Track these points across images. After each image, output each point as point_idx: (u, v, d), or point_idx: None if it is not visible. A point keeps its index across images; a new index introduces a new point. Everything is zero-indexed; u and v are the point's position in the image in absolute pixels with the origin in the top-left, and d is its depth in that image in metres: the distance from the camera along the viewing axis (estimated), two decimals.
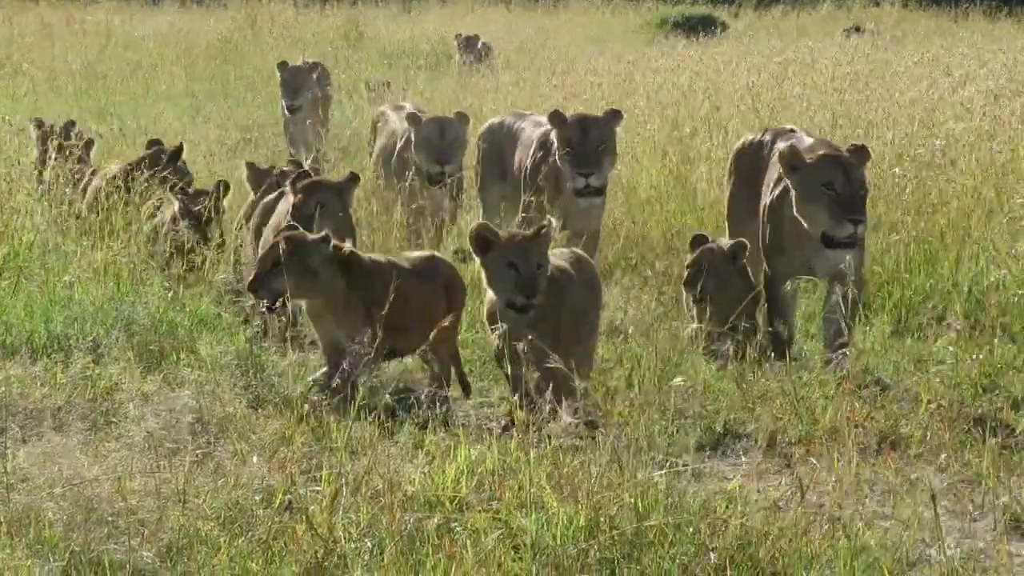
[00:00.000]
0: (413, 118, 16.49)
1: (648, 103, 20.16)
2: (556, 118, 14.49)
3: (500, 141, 16.11)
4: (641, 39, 36.60)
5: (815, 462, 8.59)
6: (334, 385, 10.38)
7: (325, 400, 10.07)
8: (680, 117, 19.18)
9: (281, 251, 10.77)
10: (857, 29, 35.08)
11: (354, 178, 13.35)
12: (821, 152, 12.29)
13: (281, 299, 10.88)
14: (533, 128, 15.55)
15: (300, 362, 11.12)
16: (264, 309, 11.22)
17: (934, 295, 13.77)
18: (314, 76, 23.83)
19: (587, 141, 14.33)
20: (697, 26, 40.34)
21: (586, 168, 14.22)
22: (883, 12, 43.93)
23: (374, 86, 25.97)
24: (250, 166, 15.84)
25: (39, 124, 17.68)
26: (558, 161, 14.45)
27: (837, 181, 12.02)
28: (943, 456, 9.65)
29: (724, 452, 9.51)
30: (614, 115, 14.69)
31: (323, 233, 11.21)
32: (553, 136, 14.59)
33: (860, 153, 12.43)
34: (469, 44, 26.47)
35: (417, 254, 12.32)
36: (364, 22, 38.00)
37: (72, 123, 17.84)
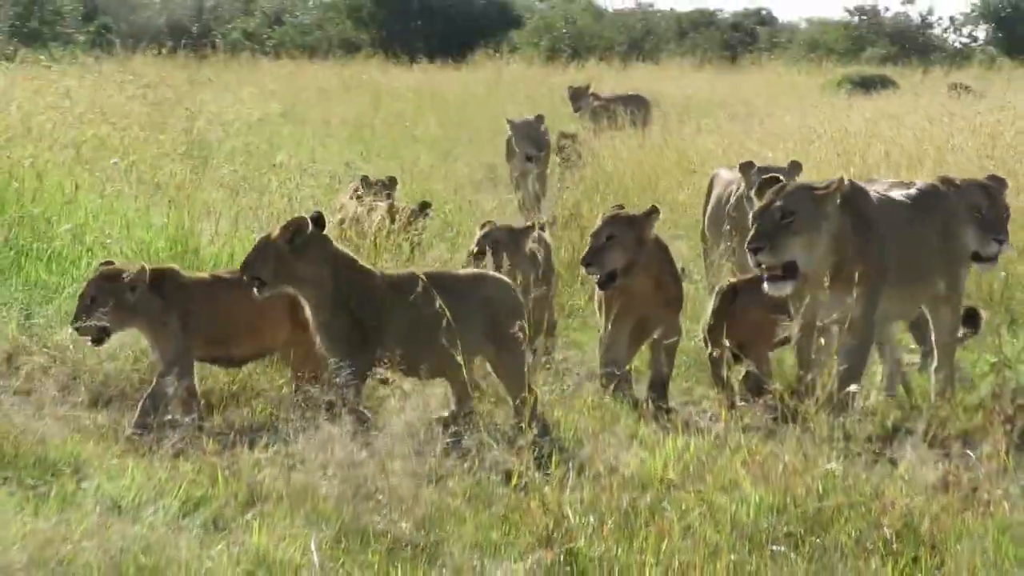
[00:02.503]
0: (743, 167, 14.23)
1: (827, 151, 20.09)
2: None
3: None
4: (825, 95, 36.25)
5: (969, 453, 8.61)
6: None
7: None
8: (855, 161, 19.10)
9: None
10: (966, 88, 34.48)
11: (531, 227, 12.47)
12: None
13: None
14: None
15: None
16: None
17: None
18: (543, 130, 22.72)
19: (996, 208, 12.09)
20: (871, 84, 40.02)
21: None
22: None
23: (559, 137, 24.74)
24: (363, 180, 15.83)
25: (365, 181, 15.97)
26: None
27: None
28: None
29: (892, 444, 9.55)
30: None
31: None
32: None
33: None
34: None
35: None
36: (596, 77, 37.92)
37: (393, 179, 16.27)
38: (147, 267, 10.70)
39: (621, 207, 12.03)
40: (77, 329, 10.58)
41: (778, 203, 10.02)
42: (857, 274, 10.21)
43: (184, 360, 10.53)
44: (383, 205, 14.20)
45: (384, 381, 10.09)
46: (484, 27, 65.06)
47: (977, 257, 11.73)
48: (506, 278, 10.88)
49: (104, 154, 17.12)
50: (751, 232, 10.16)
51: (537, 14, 74.13)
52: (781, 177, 10.70)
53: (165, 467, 8.87)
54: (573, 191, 20.47)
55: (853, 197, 10.50)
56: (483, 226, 12.53)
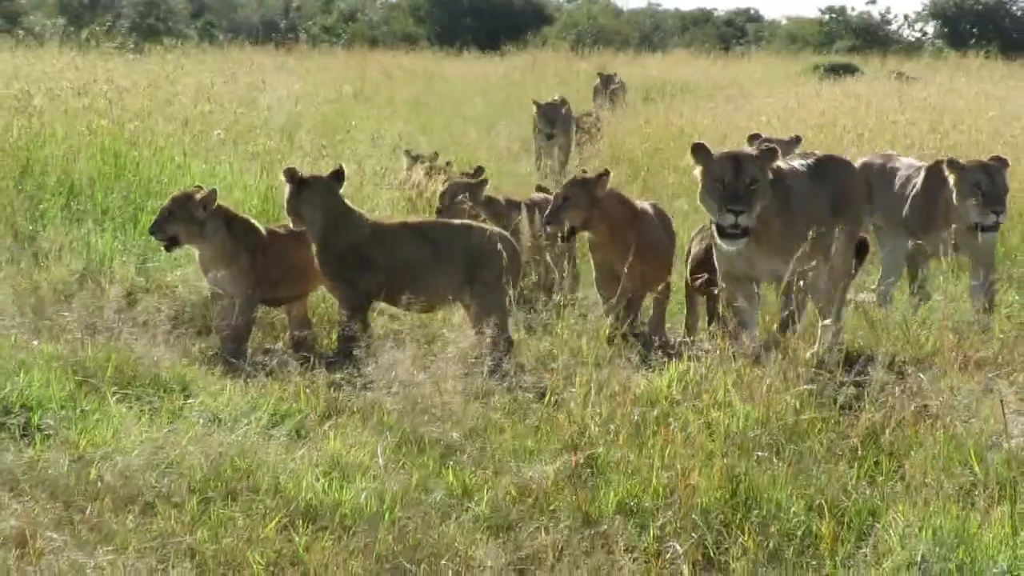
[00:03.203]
0: (750, 138, 13.16)
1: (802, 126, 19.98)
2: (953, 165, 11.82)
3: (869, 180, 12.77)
4: (801, 79, 36.14)
5: (922, 376, 8.55)
6: None
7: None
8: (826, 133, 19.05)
9: None
10: (904, 75, 34.26)
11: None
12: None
13: None
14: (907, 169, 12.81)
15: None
16: None
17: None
18: (564, 111, 22.14)
19: (995, 185, 11.66)
20: (839, 70, 39.92)
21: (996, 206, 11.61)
22: (970, 60, 43.35)
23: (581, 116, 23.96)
24: (407, 152, 15.75)
25: (408, 153, 15.95)
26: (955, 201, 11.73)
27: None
28: (1011, 372, 9.58)
29: (857, 370, 9.50)
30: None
31: None
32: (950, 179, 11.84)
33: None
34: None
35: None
36: (608, 66, 37.77)
37: (436, 154, 16.25)
38: (216, 191, 10.58)
39: (584, 171, 11.93)
40: (152, 234, 10.53)
41: (748, 171, 9.66)
42: (781, 234, 9.83)
43: (252, 297, 10.48)
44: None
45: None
46: (521, 23, 65.12)
47: (979, 227, 11.59)
48: (498, 230, 10.64)
49: (208, 127, 17.11)
50: (729, 194, 9.61)
51: (565, 12, 75.02)
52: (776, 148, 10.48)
53: (257, 386, 8.88)
54: (592, 160, 20.44)
55: (776, 168, 10.01)
56: (444, 184, 12.51)
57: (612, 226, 10.98)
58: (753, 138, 13.08)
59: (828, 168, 10.73)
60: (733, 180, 9.62)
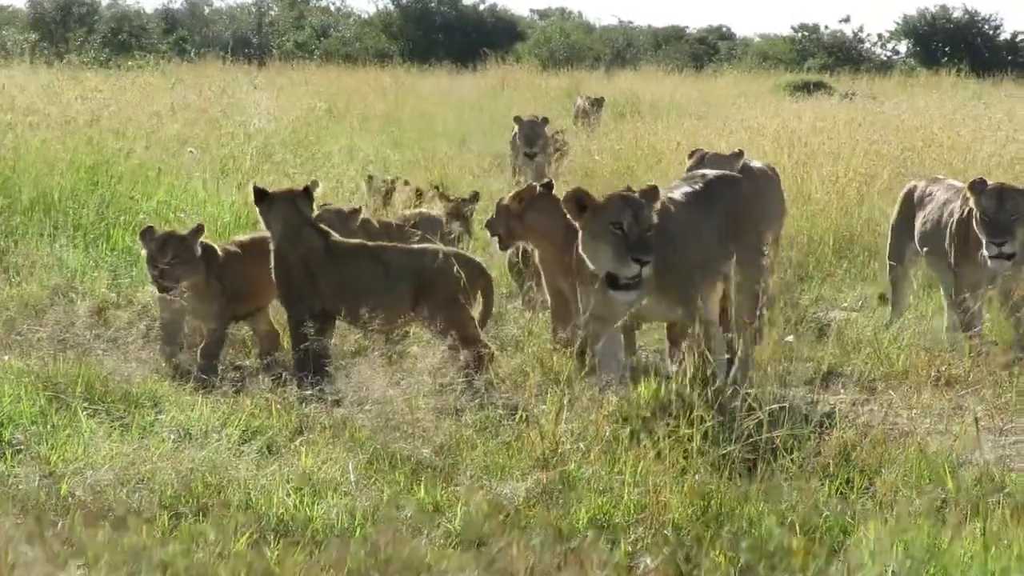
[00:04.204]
0: (691, 154, 13.29)
1: (774, 144, 20.00)
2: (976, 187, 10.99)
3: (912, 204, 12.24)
4: (771, 97, 36.28)
5: (892, 394, 8.58)
6: None
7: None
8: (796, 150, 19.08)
9: None
10: (874, 97, 34.41)
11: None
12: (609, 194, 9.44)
13: None
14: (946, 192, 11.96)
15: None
16: None
17: None
18: (544, 129, 21.96)
19: (1002, 211, 10.75)
20: (810, 88, 40.18)
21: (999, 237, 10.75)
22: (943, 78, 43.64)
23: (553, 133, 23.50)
24: (368, 178, 15.59)
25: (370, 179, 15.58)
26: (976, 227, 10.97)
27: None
28: (983, 390, 9.64)
29: (828, 385, 9.53)
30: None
31: None
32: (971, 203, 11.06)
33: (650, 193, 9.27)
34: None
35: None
36: (580, 83, 37.90)
37: (395, 179, 15.80)
38: (203, 226, 10.55)
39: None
40: (164, 290, 10.14)
41: (647, 216, 9.00)
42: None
43: (222, 316, 10.45)
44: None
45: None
46: (494, 39, 65.02)
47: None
48: (460, 252, 10.60)
49: (179, 144, 17.12)
50: (633, 242, 8.90)
51: (538, 29, 75.11)
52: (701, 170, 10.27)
53: (228, 402, 8.87)
54: (564, 176, 20.46)
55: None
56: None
57: (552, 242, 10.51)
58: (694, 153, 12.94)
59: (716, 191, 9.92)
60: (633, 225, 8.90)
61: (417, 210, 13.72)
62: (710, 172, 10.35)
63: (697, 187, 9.88)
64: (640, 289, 8.94)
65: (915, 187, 12.31)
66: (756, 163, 13.52)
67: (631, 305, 9.06)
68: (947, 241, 11.53)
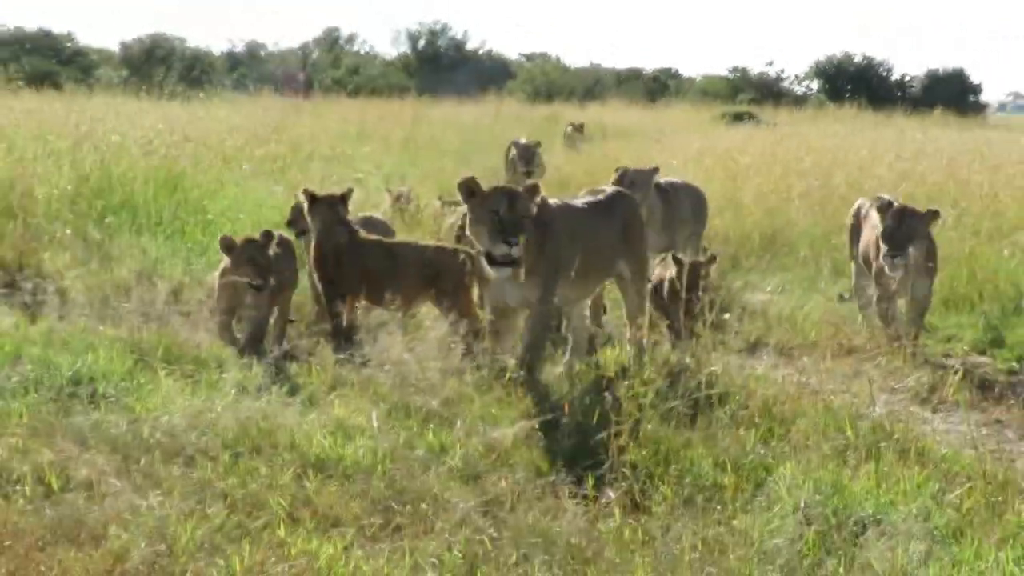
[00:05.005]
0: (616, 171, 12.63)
1: (714, 161, 19.95)
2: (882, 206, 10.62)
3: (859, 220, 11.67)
4: (711, 124, 36.25)
5: (805, 360, 8.56)
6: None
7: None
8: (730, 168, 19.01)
9: None
10: (751, 116, 34.28)
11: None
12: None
13: None
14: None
15: None
16: None
17: None
18: (537, 151, 21.32)
19: (899, 228, 10.34)
20: (741, 118, 40.17)
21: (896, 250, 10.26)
22: (846, 111, 43.48)
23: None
24: (388, 190, 15.21)
25: (389, 190, 15.26)
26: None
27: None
28: (878, 358, 9.63)
29: (754, 352, 9.50)
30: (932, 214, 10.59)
31: None
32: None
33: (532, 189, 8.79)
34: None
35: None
36: (558, 112, 37.82)
37: (410, 190, 15.48)
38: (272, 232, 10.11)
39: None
40: (259, 288, 9.31)
41: (521, 205, 8.59)
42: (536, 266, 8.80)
43: (264, 302, 10.21)
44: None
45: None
46: (491, 77, 65.35)
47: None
48: (461, 248, 9.96)
49: (239, 159, 17.08)
50: (505, 226, 8.48)
51: (525, 69, 75.73)
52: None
53: (277, 364, 8.83)
54: (545, 186, 20.30)
55: (539, 206, 8.80)
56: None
57: None
58: (618, 170, 12.50)
59: (616, 204, 9.76)
60: (508, 212, 8.53)
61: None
62: (611, 188, 10.20)
63: (599, 198, 9.73)
64: (513, 267, 8.53)
65: (862, 204, 11.85)
66: (677, 180, 13.38)
67: (504, 282, 8.72)
68: (872, 253, 11.33)
